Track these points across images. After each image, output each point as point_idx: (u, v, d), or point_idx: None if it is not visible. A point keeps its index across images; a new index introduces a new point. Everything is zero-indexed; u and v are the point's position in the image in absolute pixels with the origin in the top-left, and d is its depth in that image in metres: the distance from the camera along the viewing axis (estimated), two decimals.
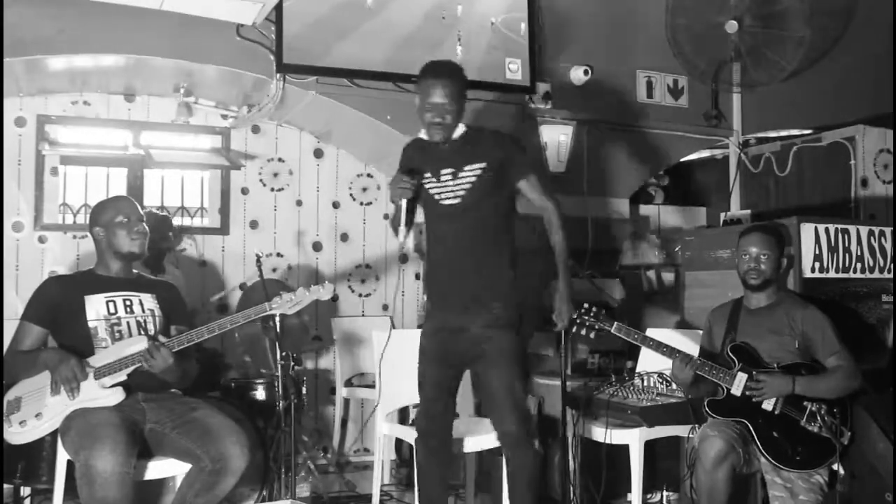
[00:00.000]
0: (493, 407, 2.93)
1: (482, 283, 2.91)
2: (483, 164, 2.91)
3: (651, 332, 3.84)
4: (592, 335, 3.12)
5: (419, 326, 3.09)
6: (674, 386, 3.44)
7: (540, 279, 4.39)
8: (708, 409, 3.08)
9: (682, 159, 5.72)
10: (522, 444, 2.89)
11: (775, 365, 3.09)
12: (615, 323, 3.13)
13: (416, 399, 3.07)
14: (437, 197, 2.95)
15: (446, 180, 2.94)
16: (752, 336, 3.18)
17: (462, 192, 2.92)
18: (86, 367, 2.84)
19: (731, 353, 3.13)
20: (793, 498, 2.93)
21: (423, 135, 2.97)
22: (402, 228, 2.87)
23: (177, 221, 4.68)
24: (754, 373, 3.03)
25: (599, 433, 3.41)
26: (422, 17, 4.58)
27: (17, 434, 2.83)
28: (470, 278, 2.92)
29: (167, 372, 2.88)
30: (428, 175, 2.97)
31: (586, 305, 3.13)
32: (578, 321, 3.10)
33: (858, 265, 3.81)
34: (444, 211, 2.95)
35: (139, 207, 3.13)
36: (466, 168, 2.92)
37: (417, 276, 5.30)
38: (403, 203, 2.86)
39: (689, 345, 3.58)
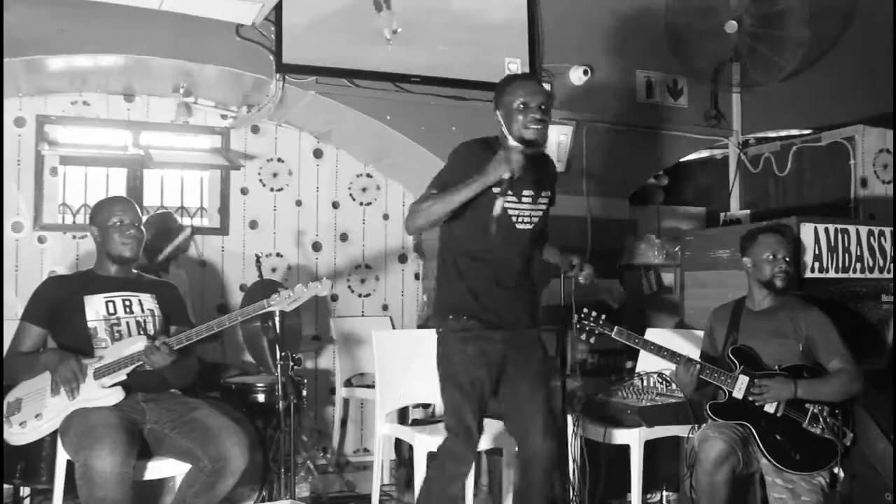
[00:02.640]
0: (527, 430, 2.78)
1: (524, 302, 2.87)
2: (549, 193, 2.87)
3: (650, 333, 3.85)
4: (593, 340, 3.11)
5: (419, 326, 2.97)
6: (673, 386, 3.44)
7: (538, 279, 4.41)
8: (710, 412, 3.07)
9: (681, 159, 5.72)
10: (552, 466, 2.78)
11: (777, 367, 3.09)
12: (615, 327, 3.11)
13: (416, 399, 3.03)
14: (512, 218, 2.77)
15: (527, 202, 2.79)
16: (754, 338, 3.17)
17: (536, 219, 2.83)
18: (85, 367, 2.84)
19: (731, 356, 3.13)
20: (795, 499, 2.92)
21: (511, 142, 2.69)
22: (501, 199, 2.59)
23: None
24: (756, 378, 3.03)
25: (599, 433, 3.41)
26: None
27: (18, 435, 2.83)
28: (515, 298, 2.83)
29: (168, 369, 2.88)
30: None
31: (586, 310, 3.12)
32: (578, 325, 3.10)
33: (858, 265, 3.81)
34: (515, 234, 2.78)
35: (137, 210, 3.13)
36: (543, 194, 2.84)
37: (417, 276, 5.30)
38: (507, 176, 2.56)
39: (689, 345, 3.58)
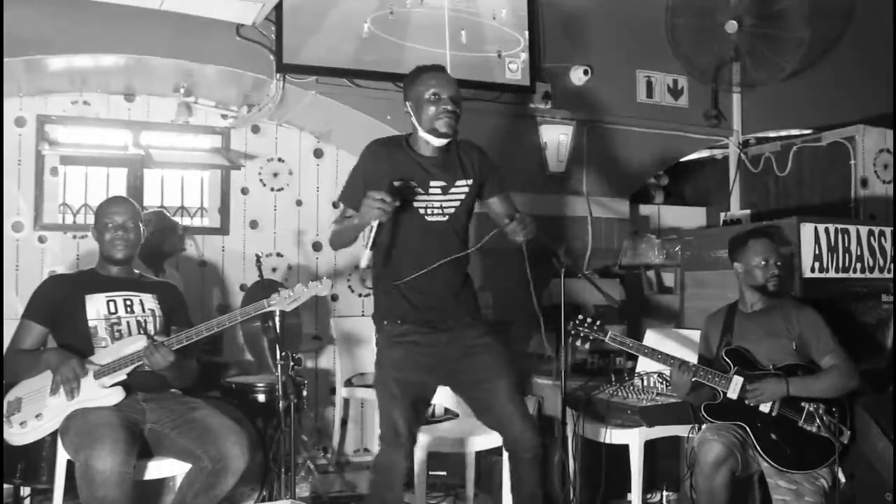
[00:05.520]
0: (503, 419, 2.76)
1: (461, 301, 2.85)
2: (470, 181, 2.82)
3: (650, 332, 3.85)
4: (587, 345, 3.12)
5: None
6: None
7: (537, 279, 4.40)
8: (705, 414, 3.07)
9: (682, 159, 5.72)
10: (538, 453, 2.77)
11: (771, 367, 3.08)
12: (609, 332, 3.12)
13: None
14: (421, 211, 2.75)
15: (435, 194, 2.76)
16: (748, 339, 3.17)
17: (451, 209, 2.78)
18: (86, 366, 2.85)
19: (726, 357, 3.13)
20: (798, 499, 2.91)
21: (428, 135, 2.72)
22: (368, 252, 2.57)
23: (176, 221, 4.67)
24: (750, 378, 3.02)
25: (599, 433, 3.41)
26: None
27: (18, 435, 2.83)
28: (449, 298, 2.81)
29: (168, 370, 2.88)
30: (412, 185, 2.73)
31: (581, 316, 3.12)
32: (573, 332, 3.10)
33: (858, 265, 3.81)
34: (428, 227, 2.76)
35: (135, 210, 3.12)
36: (458, 183, 2.79)
37: None
38: (375, 223, 2.56)
39: (689, 346, 3.58)
